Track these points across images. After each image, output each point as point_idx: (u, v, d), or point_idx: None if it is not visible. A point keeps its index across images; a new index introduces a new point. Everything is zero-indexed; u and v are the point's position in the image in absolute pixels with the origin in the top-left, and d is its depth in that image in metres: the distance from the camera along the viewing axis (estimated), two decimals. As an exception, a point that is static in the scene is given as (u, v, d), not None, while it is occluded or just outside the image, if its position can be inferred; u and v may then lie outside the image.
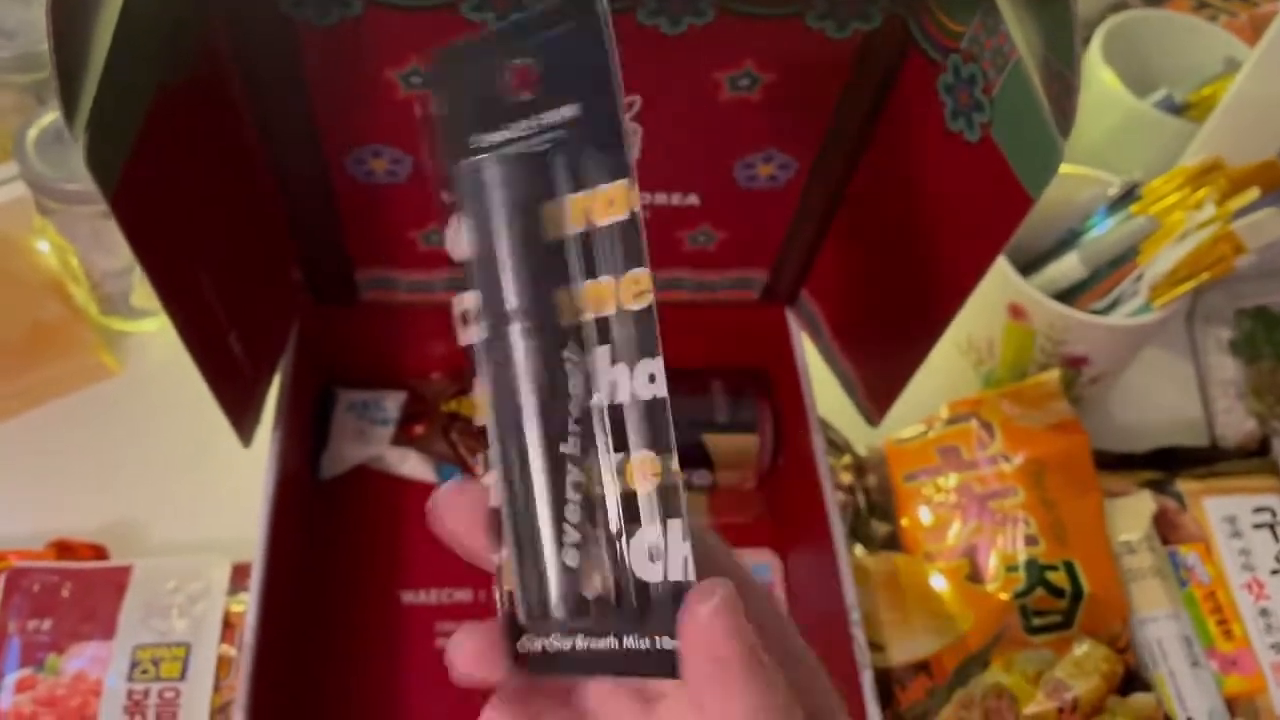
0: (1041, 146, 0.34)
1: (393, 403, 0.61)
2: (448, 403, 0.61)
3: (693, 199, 0.50)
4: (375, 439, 0.59)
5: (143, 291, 0.62)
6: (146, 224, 0.36)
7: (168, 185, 0.38)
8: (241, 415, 0.48)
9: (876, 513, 0.56)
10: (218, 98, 0.41)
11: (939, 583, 0.51)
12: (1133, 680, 0.50)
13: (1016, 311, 0.58)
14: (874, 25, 0.40)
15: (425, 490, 0.60)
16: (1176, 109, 0.68)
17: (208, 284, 0.42)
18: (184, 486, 0.59)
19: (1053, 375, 0.57)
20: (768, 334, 0.59)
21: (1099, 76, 0.67)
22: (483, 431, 0.27)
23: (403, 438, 0.59)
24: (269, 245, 0.50)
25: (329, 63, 0.41)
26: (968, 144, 0.39)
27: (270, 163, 0.46)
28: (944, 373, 0.64)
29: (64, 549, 0.54)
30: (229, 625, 0.53)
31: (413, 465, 0.60)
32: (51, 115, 0.58)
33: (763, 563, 0.59)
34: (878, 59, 0.42)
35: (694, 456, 0.58)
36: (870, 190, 0.48)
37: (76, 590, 0.52)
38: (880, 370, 0.51)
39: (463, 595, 0.57)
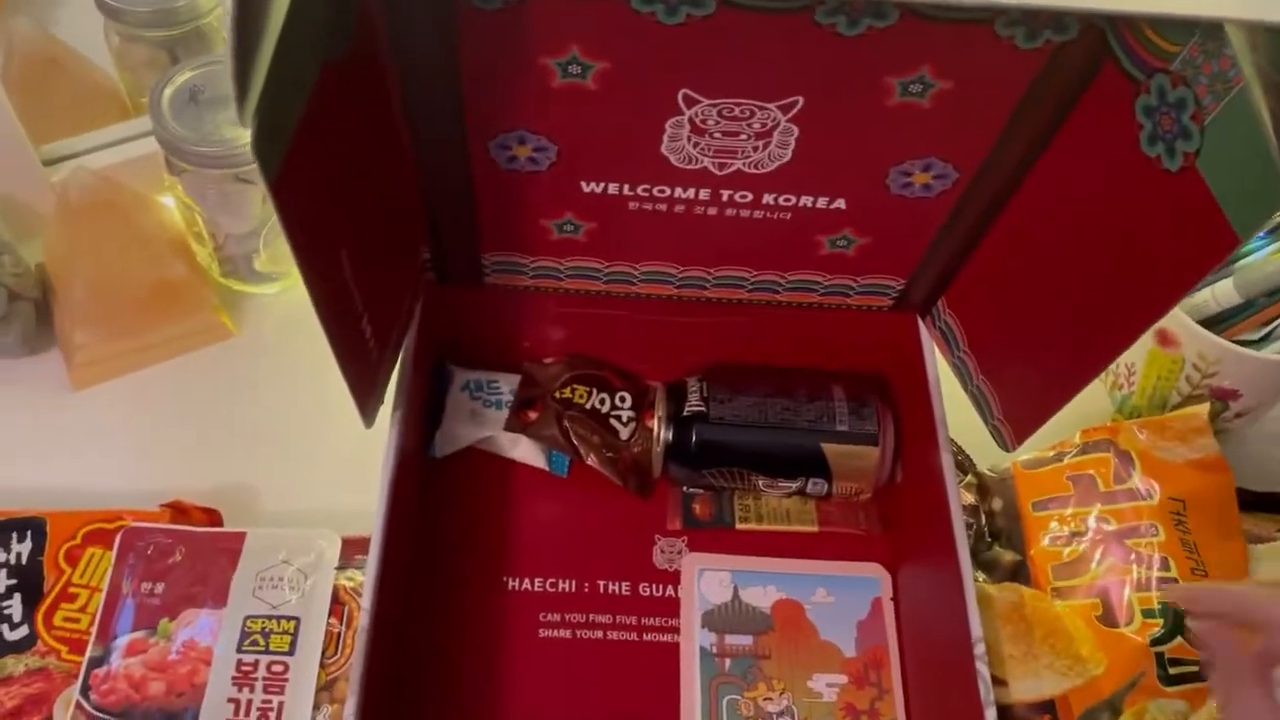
0: (1260, 185, 0.31)
1: (507, 384, 0.60)
2: (561, 390, 0.60)
3: (839, 203, 0.48)
4: (489, 421, 0.59)
5: (266, 256, 0.62)
6: (301, 205, 0.35)
7: (323, 168, 0.37)
8: (366, 398, 0.48)
9: (1001, 539, 0.54)
10: (370, 76, 0.40)
11: (1069, 620, 0.49)
12: (1269, 739, 0.48)
13: (1164, 338, 0.55)
14: (1068, 37, 0.38)
15: (534, 475, 0.59)
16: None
17: (347, 265, 0.41)
18: (295, 454, 0.59)
19: (1202, 409, 0.54)
20: (896, 342, 0.57)
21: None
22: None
23: (515, 423, 0.58)
24: (402, 225, 0.50)
25: (486, 46, 0.39)
26: (1165, 172, 0.36)
27: (414, 142, 0.45)
28: (1075, 394, 0.61)
29: (179, 512, 0.54)
30: (337, 600, 0.52)
31: (524, 450, 0.59)
32: (187, 74, 0.58)
33: (870, 577, 0.57)
34: (1066, 72, 0.39)
35: (812, 464, 0.56)
36: (1037, 208, 0.45)
37: (190, 554, 0.53)
38: (1023, 396, 0.49)
39: (565, 586, 0.56)
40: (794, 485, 0.57)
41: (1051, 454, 0.55)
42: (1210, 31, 0.33)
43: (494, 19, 0.38)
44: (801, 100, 0.41)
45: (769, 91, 0.41)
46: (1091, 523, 0.52)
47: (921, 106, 0.41)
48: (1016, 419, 0.50)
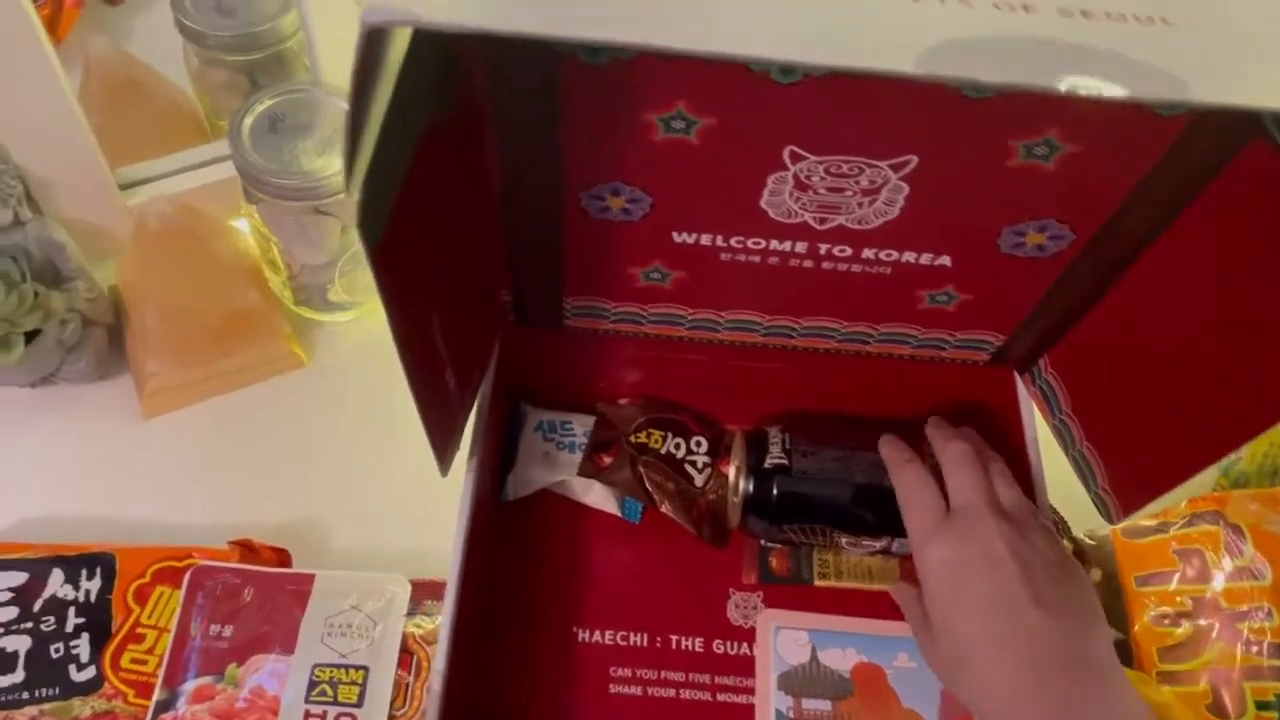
0: None
1: (581, 426, 0.58)
2: (636, 434, 0.58)
3: (944, 260, 0.46)
4: (562, 464, 0.57)
5: (340, 286, 0.61)
6: (399, 269, 0.34)
7: (422, 232, 0.35)
8: (445, 445, 0.46)
9: (1101, 613, 0.51)
10: (470, 133, 0.39)
11: (1178, 709, 0.46)
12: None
13: (1279, 404, 0.52)
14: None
15: (607, 521, 0.57)
16: None
17: (437, 323, 0.40)
18: (364, 490, 0.58)
19: (1320, 483, 0.51)
20: (991, 399, 0.54)
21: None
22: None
23: (589, 468, 0.57)
24: (487, 271, 0.48)
25: (588, 99, 0.38)
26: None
27: (504, 190, 0.43)
28: (1176, 455, 0.58)
29: (248, 550, 0.53)
30: (405, 650, 0.51)
31: (596, 495, 0.57)
32: (267, 101, 0.57)
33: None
34: (1207, 142, 0.37)
35: (899, 523, 0.54)
36: (1161, 277, 0.42)
37: (258, 596, 0.52)
38: (1132, 468, 0.46)
39: (637, 640, 0.54)
40: (878, 545, 0.54)
41: (1155, 524, 0.52)
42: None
43: (599, 74, 0.36)
44: (915, 160, 0.39)
45: (881, 150, 0.39)
46: (1200, 601, 0.49)
47: (1045, 169, 0.39)
48: (1124, 491, 0.47)
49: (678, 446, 0.58)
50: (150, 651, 0.50)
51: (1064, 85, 0.23)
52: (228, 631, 0.51)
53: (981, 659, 0.41)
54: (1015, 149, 0.38)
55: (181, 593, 0.51)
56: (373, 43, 0.23)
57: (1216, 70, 0.25)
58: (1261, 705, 0.46)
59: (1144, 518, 0.53)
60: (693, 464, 0.58)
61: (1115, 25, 0.26)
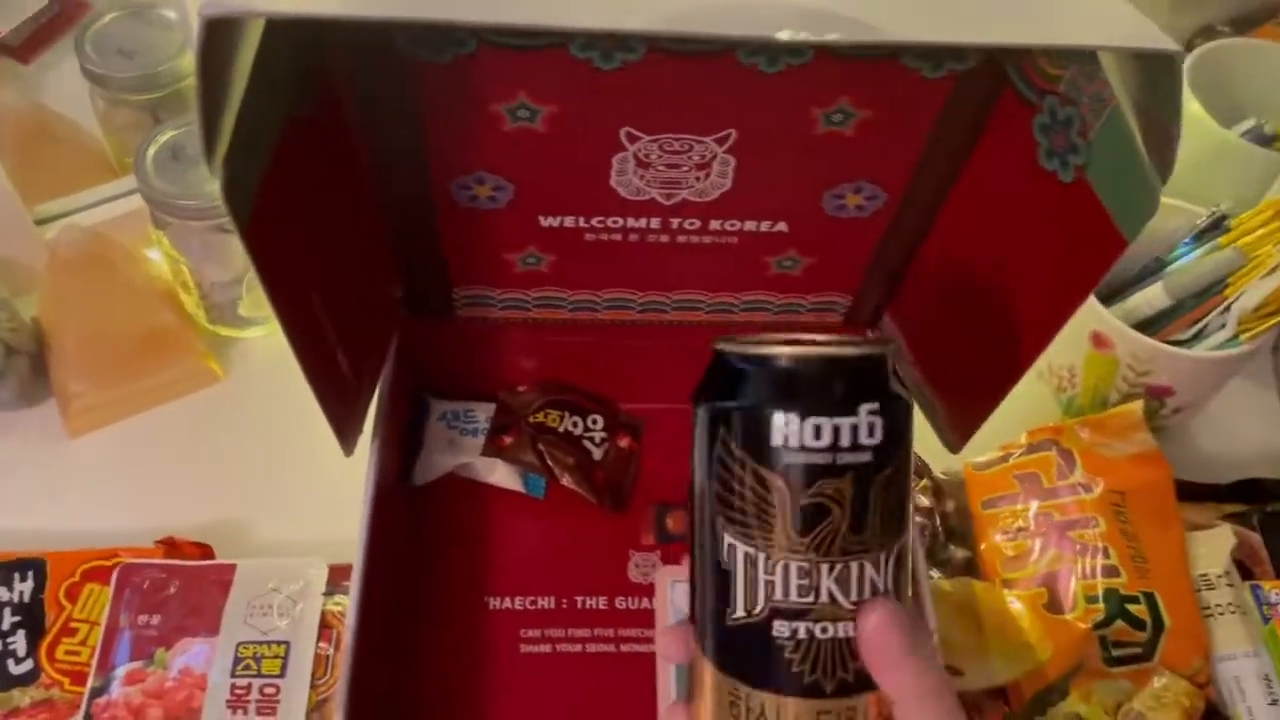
0: (1138, 191, 0.35)
1: (482, 413, 0.63)
2: (535, 415, 0.63)
3: (781, 226, 0.51)
4: (466, 448, 0.61)
5: (250, 301, 0.65)
6: (272, 250, 0.38)
7: (291, 213, 0.40)
8: (345, 427, 0.51)
9: (954, 537, 0.57)
10: (335, 127, 0.44)
11: (1018, 610, 0.52)
12: (1213, 716, 0.50)
13: (1099, 340, 0.58)
14: (968, 66, 0.41)
15: (512, 498, 0.62)
16: (1265, 140, 0.67)
17: (319, 303, 0.44)
18: (283, 488, 0.62)
19: (1136, 406, 0.57)
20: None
21: (1186, 107, 0.67)
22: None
23: (491, 448, 0.61)
24: (373, 264, 0.53)
25: (442, 96, 0.43)
26: (1061, 184, 0.39)
27: (379, 186, 0.48)
28: (1024, 399, 0.64)
29: (172, 547, 0.57)
30: (325, 625, 0.55)
31: (500, 474, 0.62)
32: (169, 133, 0.61)
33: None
34: (971, 98, 0.43)
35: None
36: (959, 223, 0.49)
37: (183, 587, 0.55)
38: (964, 399, 0.52)
39: (545, 603, 0.59)
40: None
41: (1000, 455, 0.58)
42: (1087, 58, 0.36)
43: (446, 71, 0.41)
44: (734, 133, 0.45)
45: (703, 126, 0.45)
46: (1035, 516, 0.55)
47: (845, 134, 0.45)
48: (959, 421, 0.53)
49: (575, 424, 0.63)
50: (83, 643, 0.54)
51: (784, 35, 0.29)
52: (155, 620, 0.54)
53: None
54: (817, 117, 0.44)
55: (110, 589, 0.55)
56: (214, 35, 0.28)
57: (907, 20, 0.31)
58: (1090, 600, 0.51)
59: (991, 452, 0.59)
60: (590, 439, 0.63)
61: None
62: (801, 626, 0.31)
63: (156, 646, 0.53)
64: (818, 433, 0.30)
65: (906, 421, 0.32)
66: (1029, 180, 0.41)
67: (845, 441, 0.30)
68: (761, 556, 0.31)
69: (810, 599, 0.31)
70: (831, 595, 0.31)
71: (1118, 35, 0.33)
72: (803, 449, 0.30)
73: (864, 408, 0.30)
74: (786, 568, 0.31)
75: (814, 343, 0.31)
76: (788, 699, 0.31)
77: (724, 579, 0.32)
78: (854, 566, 0.31)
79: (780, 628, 0.31)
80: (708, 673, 0.33)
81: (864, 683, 0.31)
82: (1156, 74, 0.32)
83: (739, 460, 0.31)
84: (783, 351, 0.31)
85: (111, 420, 0.64)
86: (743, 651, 0.32)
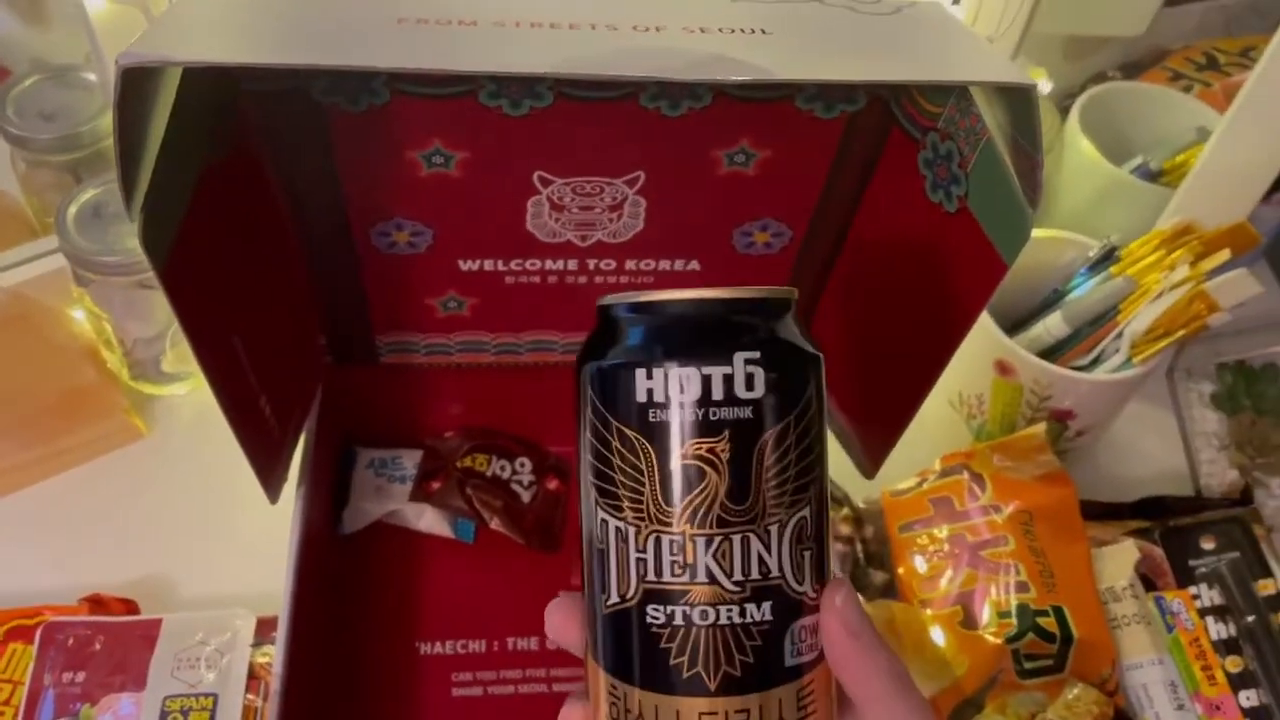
0: (1013, 217, 0.37)
1: (410, 460, 0.64)
2: (462, 459, 0.63)
3: (694, 264, 0.53)
4: (394, 495, 0.62)
5: (173, 357, 0.66)
6: (191, 295, 0.39)
7: (210, 259, 0.41)
8: (270, 474, 0.51)
9: (874, 562, 0.58)
10: (252, 176, 0.45)
11: (935, 629, 0.54)
12: (1123, 722, 0.52)
13: (1004, 368, 0.61)
14: (858, 107, 0.44)
15: (441, 544, 0.62)
16: (1152, 175, 0.71)
17: (241, 349, 0.45)
18: (210, 543, 0.62)
19: (1039, 429, 0.59)
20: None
21: (1078, 146, 0.71)
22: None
23: (420, 494, 0.62)
24: (295, 311, 0.54)
25: (357, 144, 0.44)
26: (946, 214, 0.42)
27: (299, 234, 0.49)
28: (937, 426, 0.67)
29: (96, 604, 0.57)
30: (254, 676, 0.55)
31: (429, 520, 0.62)
32: (90, 192, 0.62)
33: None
34: (862, 137, 0.45)
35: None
36: (859, 256, 0.51)
37: (108, 643, 0.55)
38: (874, 426, 0.54)
39: (476, 646, 0.59)
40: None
41: (915, 482, 0.60)
42: (960, 93, 0.39)
43: (361, 120, 0.43)
44: (643, 175, 0.47)
45: (613, 169, 0.47)
46: (949, 538, 0.57)
47: (748, 174, 0.47)
48: (870, 448, 0.55)
49: (503, 468, 0.64)
50: (6, 703, 0.53)
51: (689, 76, 0.31)
52: (80, 678, 0.53)
53: None
54: (720, 158, 0.46)
55: (34, 647, 0.54)
56: (131, 84, 0.30)
57: (795, 60, 0.33)
58: (1003, 615, 0.53)
59: (907, 480, 0.61)
60: (519, 482, 0.64)
61: (725, 37, 0.34)
62: (678, 611, 0.28)
63: (81, 703, 0.53)
64: (683, 384, 0.27)
65: (803, 376, 0.29)
66: (919, 212, 0.44)
67: (718, 394, 0.27)
68: (631, 530, 0.28)
69: (685, 578, 0.28)
70: (710, 574, 0.27)
71: (983, 72, 0.35)
72: (668, 403, 0.27)
73: (741, 356, 0.27)
74: (658, 541, 0.28)
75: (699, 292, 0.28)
76: (663, 697, 0.28)
77: (600, 560, 0.29)
78: (736, 541, 0.27)
79: (654, 613, 0.28)
80: (590, 668, 0.31)
81: (756, 680, 0.28)
82: (1019, 107, 0.35)
83: (604, 421, 0.28)
84: (655, 297, 0.28)
85: (35, 480, 0.64)
86: (619, 643, 0.29)
